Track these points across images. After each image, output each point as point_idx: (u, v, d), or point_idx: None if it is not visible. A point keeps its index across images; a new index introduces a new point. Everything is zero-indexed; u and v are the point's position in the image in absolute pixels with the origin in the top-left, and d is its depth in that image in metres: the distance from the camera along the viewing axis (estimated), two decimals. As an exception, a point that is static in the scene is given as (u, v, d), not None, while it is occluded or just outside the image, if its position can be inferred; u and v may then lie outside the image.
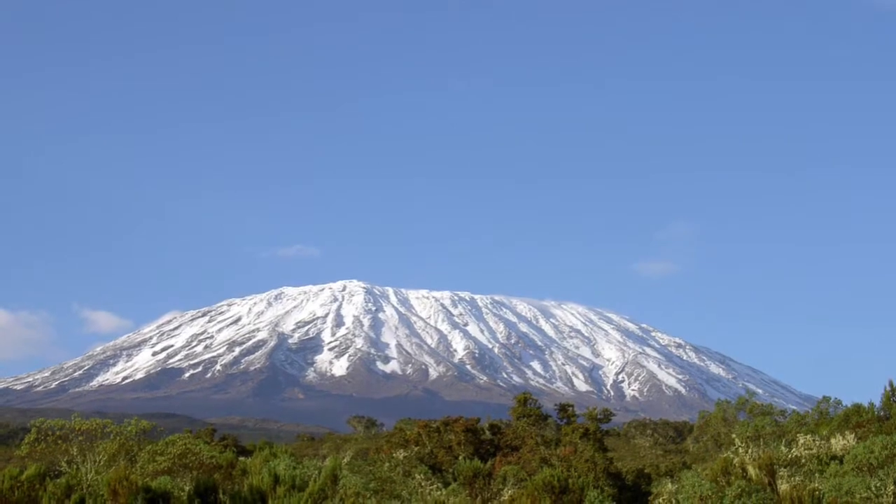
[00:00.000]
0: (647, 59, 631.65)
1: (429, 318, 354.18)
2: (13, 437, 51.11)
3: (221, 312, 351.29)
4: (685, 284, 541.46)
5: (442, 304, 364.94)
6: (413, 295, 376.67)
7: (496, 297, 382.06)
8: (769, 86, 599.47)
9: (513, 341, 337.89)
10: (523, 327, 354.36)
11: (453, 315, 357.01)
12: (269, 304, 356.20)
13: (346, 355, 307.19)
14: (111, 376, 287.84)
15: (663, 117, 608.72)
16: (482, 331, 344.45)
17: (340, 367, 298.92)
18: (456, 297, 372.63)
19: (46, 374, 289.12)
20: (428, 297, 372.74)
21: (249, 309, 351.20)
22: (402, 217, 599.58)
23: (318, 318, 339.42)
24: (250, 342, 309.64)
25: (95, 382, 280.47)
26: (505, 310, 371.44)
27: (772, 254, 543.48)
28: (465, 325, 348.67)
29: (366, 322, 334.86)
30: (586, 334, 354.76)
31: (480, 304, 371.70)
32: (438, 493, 15.14)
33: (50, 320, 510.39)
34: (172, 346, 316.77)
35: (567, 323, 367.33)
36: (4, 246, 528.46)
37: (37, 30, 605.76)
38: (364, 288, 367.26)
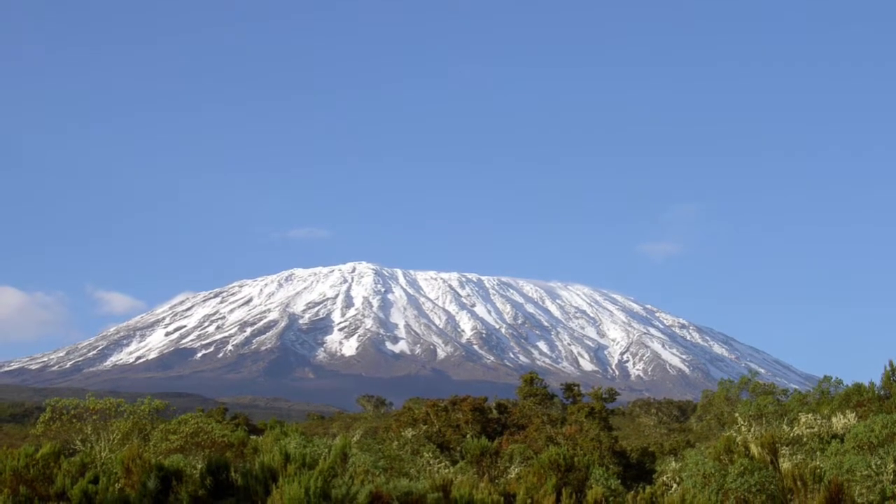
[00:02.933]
0: (653, 42, 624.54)
1: (437, 299, 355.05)
2: (28, 417, 51.90)
3: (233, 293, 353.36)
4: (689, 265, 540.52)
5: (450, 286, 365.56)
6: (421, 276, 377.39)
7: (503, 279, 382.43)
8: (772, 69, 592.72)
9: (519, 322, 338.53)
10: (530, 308, 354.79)
11: (461, 296, 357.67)
12: (280, 285, 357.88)
13: (356, 336, 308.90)
14: (125, 356, 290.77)
15: (668, 100, 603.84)
16: (489, 311, 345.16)
17: (350, 348, 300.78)
18: (463, 279, 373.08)
19: (61, 354, 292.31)
20: (436, 279, 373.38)
21: (261, 290, 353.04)
22: (410, 199, 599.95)
23: (328, 299, 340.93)
24: (261, 323, 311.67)
25: (109, 362, 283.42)
26: (512, 291, 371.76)
27: (775, 235, 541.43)
28: (473, 305, 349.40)
29: (375, 303, 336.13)
30: (592, 315, 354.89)
31: (487, 285, 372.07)
32: (446, 470, 15.39)
33: (64, 301, 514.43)
34: (185, 326, 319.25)
35: (573, 304, 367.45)
36: (20, 228, 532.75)
37: (54, 20, 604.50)
38: (373, 269, 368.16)
